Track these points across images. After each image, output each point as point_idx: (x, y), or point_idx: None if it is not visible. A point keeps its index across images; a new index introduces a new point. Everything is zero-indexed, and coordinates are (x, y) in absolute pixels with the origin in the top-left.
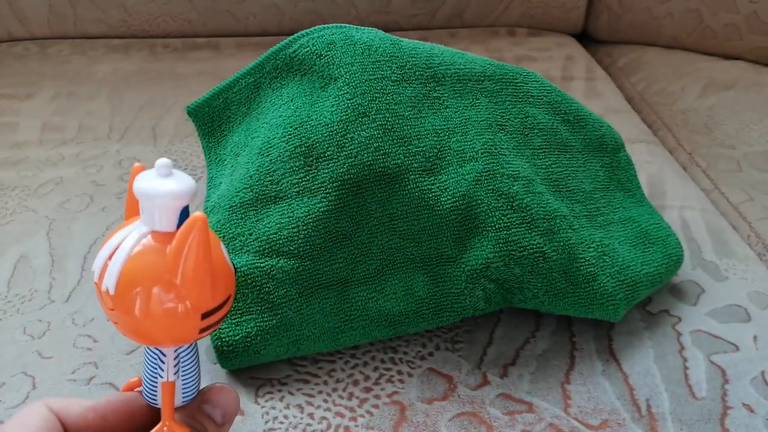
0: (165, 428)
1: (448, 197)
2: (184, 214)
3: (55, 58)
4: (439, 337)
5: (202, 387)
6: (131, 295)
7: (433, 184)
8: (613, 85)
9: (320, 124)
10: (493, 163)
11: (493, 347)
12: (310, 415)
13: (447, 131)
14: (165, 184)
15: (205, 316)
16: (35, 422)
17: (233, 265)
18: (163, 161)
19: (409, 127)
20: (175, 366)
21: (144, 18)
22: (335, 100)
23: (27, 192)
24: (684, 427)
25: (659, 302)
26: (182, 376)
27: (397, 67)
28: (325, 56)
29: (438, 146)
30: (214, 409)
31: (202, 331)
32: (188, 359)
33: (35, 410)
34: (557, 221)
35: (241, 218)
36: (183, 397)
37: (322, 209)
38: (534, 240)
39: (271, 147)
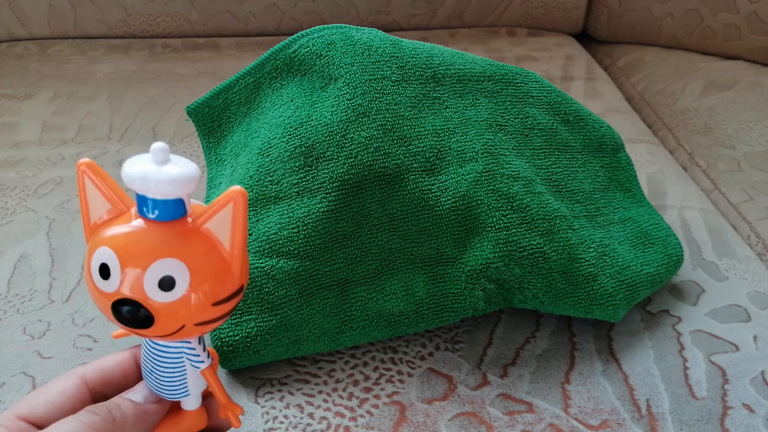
0: (229, 410)
1: (448, 197)
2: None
3: (55, 58)
4: (439, 337)
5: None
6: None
7: (433, 185)
8: (613, 85)
9: (320, 124)
10: (493, 163)
11: (493, 347)
12: (310, 415)
13: (447, 131)
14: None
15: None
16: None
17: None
18: (158, 145)
19: (409, 127)
20: (203, 348)
21: (144, 18)
22: (335, 101)
23: (27, 192)
24: (684, 427)
25: (659, 302)
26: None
27: (397, 67)
28: (325, 56)
29: (438, 146)
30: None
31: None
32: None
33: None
34: (557, 221)
35: None
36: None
37: (322, 209)
38: (534, 240)
39: (271, 147)
